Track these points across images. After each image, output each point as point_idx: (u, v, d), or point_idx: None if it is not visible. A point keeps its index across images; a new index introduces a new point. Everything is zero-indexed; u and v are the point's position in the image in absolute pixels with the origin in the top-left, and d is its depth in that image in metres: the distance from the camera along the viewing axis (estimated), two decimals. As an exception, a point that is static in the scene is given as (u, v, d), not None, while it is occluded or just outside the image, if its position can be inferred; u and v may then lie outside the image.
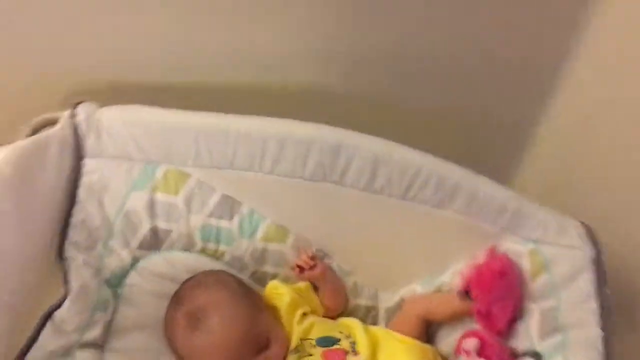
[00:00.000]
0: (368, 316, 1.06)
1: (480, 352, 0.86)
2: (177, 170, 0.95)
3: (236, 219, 0.98)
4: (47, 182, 0.89)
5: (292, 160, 0.94)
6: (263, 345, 0.88)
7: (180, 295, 0.92)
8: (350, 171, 0.94)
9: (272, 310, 0.96)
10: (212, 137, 0.94)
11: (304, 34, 1.00)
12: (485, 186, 0.94)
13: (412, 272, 1.02)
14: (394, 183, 0.95)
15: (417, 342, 0.94)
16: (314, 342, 0.93)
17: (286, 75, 1.08)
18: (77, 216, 0.92)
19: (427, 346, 0.95)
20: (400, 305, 1.03)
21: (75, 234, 0.92)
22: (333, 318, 1.01)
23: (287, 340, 0.92)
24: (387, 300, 1.05)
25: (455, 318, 0.95)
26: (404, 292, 1.04)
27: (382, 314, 1.06)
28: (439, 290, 1.00)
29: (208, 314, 0.86)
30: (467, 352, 0.86)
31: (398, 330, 0.95)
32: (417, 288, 1.02)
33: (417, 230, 0.98)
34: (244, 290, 0.94)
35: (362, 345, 0.93)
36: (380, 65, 1.06)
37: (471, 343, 0.87)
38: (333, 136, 0.93)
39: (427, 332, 0.98)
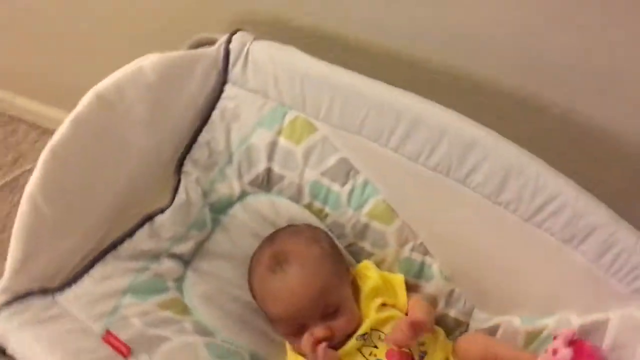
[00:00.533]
0: (455, 331, 0.97)
1: None
2: (306, 120, 0.94)
3: (348, 186, 0.95)
4: (187, 97, 0.93)
5: (420, 144, 0.88)
6: (330, 314, 0.86)
7: (275, 236, 0.93)
8: (478, 173, 0.86)
9: (354, 289, 0.92)
10: (348, 97, 0.91)
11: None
12: (627, 237, 0.80)
13: (516, 301, 0.92)
14: (522, 201, 0.84)
15: None
16: (383, 337, 0.88)
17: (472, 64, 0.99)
18: (204, 136, 0.96)
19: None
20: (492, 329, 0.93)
21: (198, 152, 0.96)
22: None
23: (357, 321, 0.88)
24: (480, 321, 0.96)
25: None
26: (501, 320, 0.93)
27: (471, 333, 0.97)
28: (539, 332, 0.88)
29: (291, 262, 0.86)
30: None
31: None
32: (516, 321, 0.91)
33: (534, 259, 0.87)
34: (335, 256, 0.92)
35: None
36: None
37: None
38: (469, 131, 0.85)
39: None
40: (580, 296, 0.84)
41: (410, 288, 0.96)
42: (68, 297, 0.80)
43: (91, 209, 0.84)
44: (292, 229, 0.93)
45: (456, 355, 0.86)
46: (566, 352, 0.72)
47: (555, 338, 0.76)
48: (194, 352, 0.80)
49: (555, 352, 0.74)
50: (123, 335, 0.77)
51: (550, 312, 0.88)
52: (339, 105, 0.91)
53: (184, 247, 0.92)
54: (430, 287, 0.97)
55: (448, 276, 0.96)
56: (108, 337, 0.75)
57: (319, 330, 0.84)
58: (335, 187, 0.95)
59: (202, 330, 0.86)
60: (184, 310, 0.88)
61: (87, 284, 0.82)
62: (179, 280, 0.91)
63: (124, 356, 0.75)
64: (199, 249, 0.94)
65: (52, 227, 0.78)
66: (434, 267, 0.96)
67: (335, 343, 0.87)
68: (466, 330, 0.97)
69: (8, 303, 0.75)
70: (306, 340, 0.84)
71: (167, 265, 0.90)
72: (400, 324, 0.81)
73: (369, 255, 0.98)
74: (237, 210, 0.98)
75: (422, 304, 0.91)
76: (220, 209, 0.97)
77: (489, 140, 0.84)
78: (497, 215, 0.87)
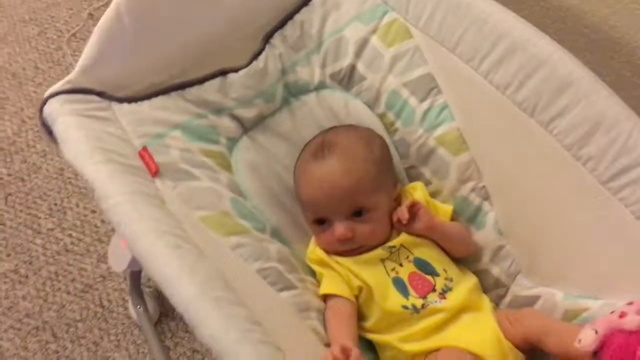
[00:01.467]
0: (492, 291, 0.90)
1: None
2: (404, 25, 0.90)
3: (425, 104, 0.90)
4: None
5: (512, 73, 0.81)
6: (358, 217, 0.82)
7: (333, 128, 0.91)
8: (565, 118, 0.77)
9: (396, 206, 0.88)
10: (452, 8, 0.86)
11: None
12: None
13: (565, 274, 0.82)
14: (604, 160, 0.75)
15: (508, 344, 0.78)
16: (412, 258, 0.84)
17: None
18: (301, 16, 0.95)
19: (517, 352, 0.78)
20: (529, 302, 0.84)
21: (290, 29, 0.95)
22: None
23: (383, 236, 0.84)
24: (522, 288, 0.87)
25: None
26: (544, 291, 0.85)
27: (508, 299, 0.89)
28: (579, 312, 0.79)
29: (334, 152, 0.84)
30: None
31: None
32: (559, 295, 0.82)
33: (598, 231, 0.77)
34: (382, 165, 0.87)
35: (454, 298, 0.82)
36: None
37: None
38: (567, 68, 0.76)
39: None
40: (637, 283, 0.74)
41: (458, 229, 0.90)
42: (123, 109, 0.83)
43: (170, 41, 0.86)
44: (352, 126, 0.91)
45: (514, 321, 0.79)
46: (636, 317, 0.64)
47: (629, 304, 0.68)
48: (218, 199, 0.80)
49: (622, 315, 0.66)
50: (158, 159, 0.79)
51: (598, 294, 0.78)
52: (441, 15, 0.87)
53: (247, 113, 0.92)
54: (479, 236, 0.90)
55: (502, 230, 0.88)
56: (143, 153, 0.77)
57: (339, 227, 0.81)
58: (413, 101, 0.91)
59: (235, 189, 0.86)
60: (226, 166, 0.88)
61: (145, 106, 0.85)
62: (232, 140, 0.91)
63: (151, 174, 0.76)
64: (261, 121, 0.94)
65: (128, 39, 0.81)
66: (490, 215, 0.89)
67: (360, 250, 0.84)
68: (505, 294, 0.89)
69: (68, 91, 0.79)
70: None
71: (226, 123, 0.90)
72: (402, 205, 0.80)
73: (426, 183, 0.93)
74: (310, 98, 0.96)
75: (455, 222, 0.86)
76: (294, 91, 0.96)
77: (585, 83, 0.76)
78: (572, 171, 0.78)
